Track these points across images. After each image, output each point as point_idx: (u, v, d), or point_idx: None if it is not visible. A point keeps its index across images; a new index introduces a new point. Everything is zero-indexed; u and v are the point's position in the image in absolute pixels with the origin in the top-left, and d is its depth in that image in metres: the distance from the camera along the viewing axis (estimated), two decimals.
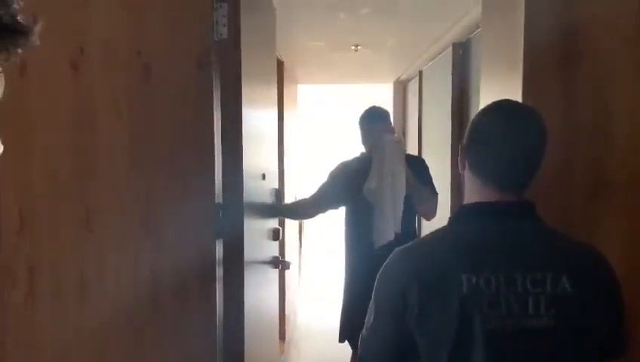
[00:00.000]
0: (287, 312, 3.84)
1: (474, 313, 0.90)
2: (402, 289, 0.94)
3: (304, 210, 2.57)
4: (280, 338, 3.36)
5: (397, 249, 1.02)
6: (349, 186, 2.38)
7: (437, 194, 2.47)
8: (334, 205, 2.48)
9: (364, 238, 2.32)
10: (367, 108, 2.52)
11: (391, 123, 2.51)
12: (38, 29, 0.47)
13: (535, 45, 1.42)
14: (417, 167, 2.45)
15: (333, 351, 2.42)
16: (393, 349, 0.99)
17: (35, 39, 0.47)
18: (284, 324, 3.69)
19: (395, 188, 2.21)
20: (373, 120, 2.45)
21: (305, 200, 2.56)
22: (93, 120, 1.24)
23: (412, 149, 4.79)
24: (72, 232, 1.22)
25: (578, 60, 1.42)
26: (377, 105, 2.57)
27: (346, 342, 2.44)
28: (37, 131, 1.09)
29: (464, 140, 1.04)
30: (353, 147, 2.55)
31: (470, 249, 0.96)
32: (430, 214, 2.46)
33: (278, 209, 2.34)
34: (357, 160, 2.49)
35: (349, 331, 2.40)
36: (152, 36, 1.30)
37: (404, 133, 5.41)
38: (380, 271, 1.01)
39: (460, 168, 1.06)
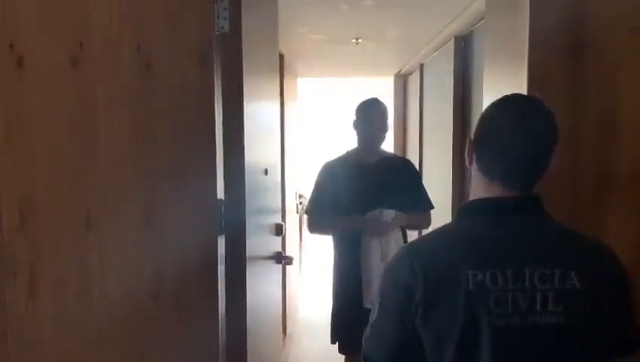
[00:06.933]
0: (288, 306, 3.84)
1: (480, 310, 0.88)
2: (407, 286, 0.93)
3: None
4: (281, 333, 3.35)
5: (402, 246, 1.01)
6: (335, 189, 2.28)
7: (432, 206, 2.32)
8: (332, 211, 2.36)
9: (350, 242, 2.24)
10: (368, 100, 2.31)
11: (387, 122, 2.32)
12: None
13: (541, 35, 1.40)
14: (403, 171, 2.33)
15: (334, 346, 2.42)
16: (398, 346, 0.97)
17: None
18: (285, 319, 3.69)
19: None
20: (372, 121, 2.26)
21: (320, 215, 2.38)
22: (94, 115, 1.22)
23: (412, 144, 4.76)
24: (73, 230, 1.20)
25: (585, 50, 1.40)
26: (378, 97, 2.38)
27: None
28: (36, 127, 1.07)
29: (473, 135, 1.02)
30: (352, 140, 2.41)
31: (475, 245, 0.94)
32: (424, 227, 2.35)
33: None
34: (339, 160, 2.39)
35: (338, 337, 2.37)
36: (152, 29, 1.28)
37: (404, 128, 5.38)
38: (385, 268, 1.00)
39: (467, 162, 1.05)
